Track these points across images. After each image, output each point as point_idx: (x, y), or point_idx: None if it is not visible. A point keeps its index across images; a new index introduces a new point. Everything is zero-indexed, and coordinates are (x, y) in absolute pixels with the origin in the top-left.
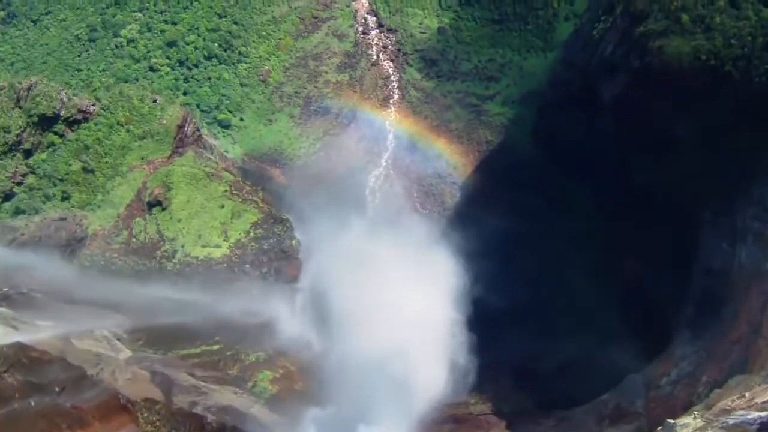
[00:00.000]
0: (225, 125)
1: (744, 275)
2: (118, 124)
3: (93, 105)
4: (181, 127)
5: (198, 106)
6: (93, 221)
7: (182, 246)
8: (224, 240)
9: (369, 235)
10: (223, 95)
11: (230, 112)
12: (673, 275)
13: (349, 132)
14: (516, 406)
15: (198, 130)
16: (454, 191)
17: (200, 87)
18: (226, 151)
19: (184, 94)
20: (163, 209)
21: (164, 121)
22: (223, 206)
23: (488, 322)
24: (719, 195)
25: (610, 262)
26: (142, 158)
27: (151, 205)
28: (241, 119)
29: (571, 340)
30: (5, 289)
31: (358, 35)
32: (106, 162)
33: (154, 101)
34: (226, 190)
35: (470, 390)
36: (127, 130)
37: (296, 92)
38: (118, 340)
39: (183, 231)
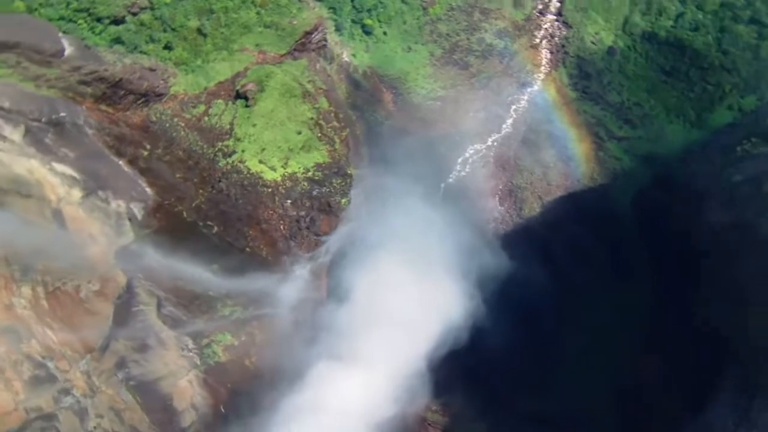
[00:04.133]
0: (367, 31)
1: None
2: (252, 2)
3: None
4: (308, 33)
5: (354, 3)
6: (180, 83)
7: (243, 150)
8: (282, 166)
9: (425, 212)
10: (381, 2)
11: (379, 21)
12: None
13: (476, 97)
14: None
15: (325, 41)
16: (534, 205)
17: None
18: (354, 55)
19: None
20: (247, 106)
21: (295, 22)
22: (300, 133)
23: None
24: None
25: (634, 348)
26: (257, 45)
27: (238, 96)
28: (385, 33)
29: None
30: (62, 114)
31: (534, 11)
32: (222, 33)
33: None
34: (312, 118)
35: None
36: (257, 13)
37: (448, 34)
38: (129, 220)
39: (251, 137)
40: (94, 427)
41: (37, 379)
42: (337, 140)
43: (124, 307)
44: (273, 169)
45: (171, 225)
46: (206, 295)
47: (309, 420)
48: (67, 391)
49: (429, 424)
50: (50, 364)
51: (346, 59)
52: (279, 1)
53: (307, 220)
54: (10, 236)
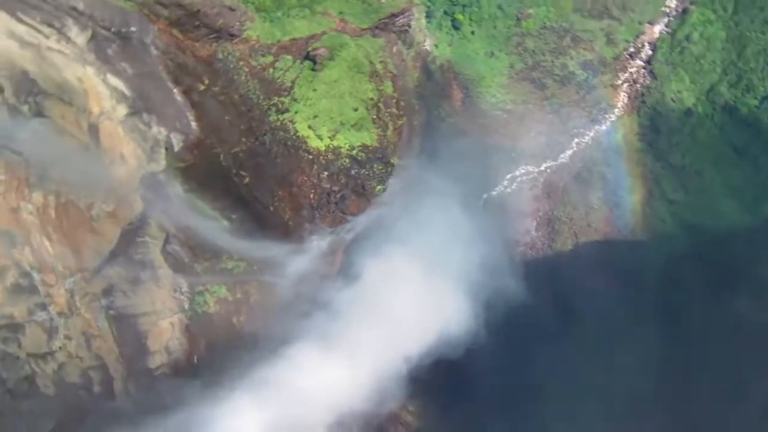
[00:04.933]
0: (456, 26)
1: None
2: None
3: None
4: (394, 15)
5: None
6: (255, 29)
7: (296, 112)
8: (329, 138)
9: (459, 218)
10: (477, 1)
11: (470, 19)
12: None
13: (543, 120)
14: None
15: (408, 26)
16: (568, 241)
17: None
18: (436, 46)
19: None
20: (313, 69)
21: (383, 0)
22: (356, 110)
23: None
24: None
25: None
26: (341, 13)
27: (307, 57)
28: (473, 32)
29: None
30: (132, 29)
31: (625, 53)
32: None
33: None
34: (372, 99)
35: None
36: None
37: (534, 51)
38: (166, 149)
39: (308, 101)
40: (59, 348)
41: (18, 287)
42: (391, 127)
43: (131, 234)
44: (320, 137)
45: (205, 165)
46: (214, 244)
47: (273, 394)
48: (44, 306)
49: (401, 423)
50: (36, 276)
51: (427, 48)
52: None
53: (338, 196)
54: (39, 140)
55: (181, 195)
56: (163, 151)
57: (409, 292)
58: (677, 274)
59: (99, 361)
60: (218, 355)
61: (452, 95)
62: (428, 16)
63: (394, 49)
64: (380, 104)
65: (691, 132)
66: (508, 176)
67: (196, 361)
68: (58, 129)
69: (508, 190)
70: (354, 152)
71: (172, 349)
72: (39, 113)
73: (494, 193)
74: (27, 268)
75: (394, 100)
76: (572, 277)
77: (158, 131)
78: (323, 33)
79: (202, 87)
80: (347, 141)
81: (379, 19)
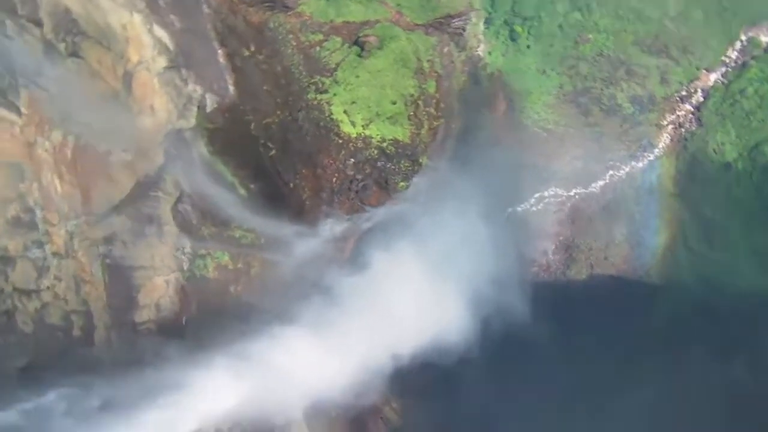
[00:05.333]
0: (513, 37)
1: None
2: None
3: None
4: (451, 16)
5: (513, 6)
6: (310, 4)
7: (335, 94)
8: (362, 126)
9: (479, 228)
10: (540, 18)
11: (529, 33)
12: None
13: (582, 146)
14: None
15: (463, 29)
16: (583, 271)
17: None
18: (489, 53)
19: None
20: (359, 55)
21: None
22: (394, 103)
23: None
24: None
25: None
26: (398, 5)
27: (356, 42)
28: (528, 47)
29: None
30: None
31: (676, 95)
32: None
33: None
34: (413, 95)
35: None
36: None
37: (585, 76)
38: (198, 108)
39: (349, 86)
40: (47, 287)
41: (18, 221)
42: (426, 126)
43: (145, 187)
44: (353, 124)
45: (234, 130)
46: (227, 211)
47: (255, 368)
48: (40, 244)
49: (381, 418)
50: (38, 213)
51: (480, 54)
52: None
53: (360, 185)
54: (69, 80)
55: (204, 156)
56: (195, 109)
57: (413, 292)
58: (684, 325)
59: (84, 307)
60: (207, 321)
61: (496, 105)
62: (487, 22)
63: (445, 49)
64: (420, 102)
65: (727, 187)
66: (537, 195)
67: (184, 322)
68: (91, 72)
69: (534, 208)
70: (384, 144)
71: (163, 307)
72: (74, 53)
73: (519, 209)
74: (31, 203)
75: (435, 101)
76: (579, 307)
77: (194, 89)
78: (377, 21)
79: (247, 53)
80: (379, 132)
81: (435, 18)
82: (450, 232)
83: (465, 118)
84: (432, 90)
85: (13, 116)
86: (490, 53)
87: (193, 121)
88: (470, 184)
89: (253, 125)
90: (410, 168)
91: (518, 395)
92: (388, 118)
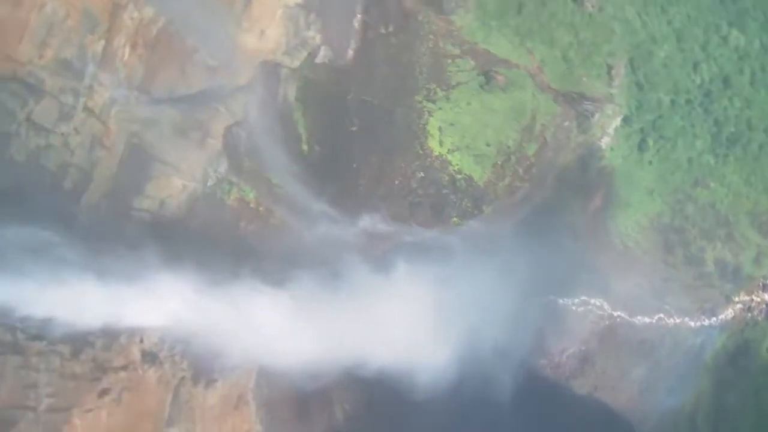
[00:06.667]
0: (641, 148)
1: None
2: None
3: None
4: (583, 97)
5: (657, 120)
6: (464, 19)
7: (439, 109)
8: (447, 150)
9: (513, 299)
10: (675, 143)
11: (657, 151)
12: None
13: (649, 276)
14: None
15: (592, 115)
16: (585, 387)
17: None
18: (611, 149)
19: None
20: (481, 86)
21: (585, 79)
22: (488, 145)
23: None
24: None
25: None
26: (542, 60)
27: (485, 73)
28: (650, 162)
29: None
30: None
31: (761, 281)
32: (532, 19)
33: None
34: (509, 147)
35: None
36: (571, 40)
37: (687, 217)
38: (309, 54)
39: (455, 109)
40: (62, 133)
41: (67, 65)
42: (506, 181)
43: (213, 96)
44: (441, 143)
45: (330, 91)
46: (277, 158)
47: (217, 302)
48: (77, 93)
49: (327, 411)
50: (92, 67)
51: (601, 145)
52: (593, 58)
53: (416, 200)
54: None
55: (288, 99)
56: (305, 54)
57: (415, 317)
58: None
59: (88, 167)
60: (201, 241)
61: (593, 200)
62: (624, 121)
63: (566, 123)
64: (512, 156)
65: (757, 390)
66: (583, 298)
67: (177, 230)
68: None
69: (574, 308)
70: (458, 176)
71: (167, 206)
72: None
73: (561, 301)
74: (89, 56)
75: (528, 163)
76: (560, 418)
77: (314, 36)
78: (516, 65)
79: (383, 31)
80: (460, 163)
81: (570, 90)
82: (482, 287)
83: (552, 195)
84: (531, 152)
85: None
86: (612, 149)
87: (296, 64)
88: (525, 255)
89: (350, 96)
90: (470, 210)
91: None
92: (474, 155)
